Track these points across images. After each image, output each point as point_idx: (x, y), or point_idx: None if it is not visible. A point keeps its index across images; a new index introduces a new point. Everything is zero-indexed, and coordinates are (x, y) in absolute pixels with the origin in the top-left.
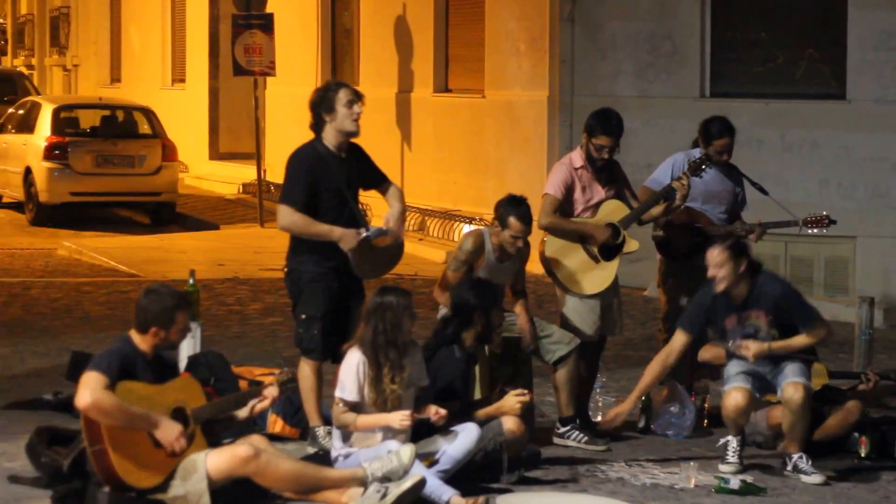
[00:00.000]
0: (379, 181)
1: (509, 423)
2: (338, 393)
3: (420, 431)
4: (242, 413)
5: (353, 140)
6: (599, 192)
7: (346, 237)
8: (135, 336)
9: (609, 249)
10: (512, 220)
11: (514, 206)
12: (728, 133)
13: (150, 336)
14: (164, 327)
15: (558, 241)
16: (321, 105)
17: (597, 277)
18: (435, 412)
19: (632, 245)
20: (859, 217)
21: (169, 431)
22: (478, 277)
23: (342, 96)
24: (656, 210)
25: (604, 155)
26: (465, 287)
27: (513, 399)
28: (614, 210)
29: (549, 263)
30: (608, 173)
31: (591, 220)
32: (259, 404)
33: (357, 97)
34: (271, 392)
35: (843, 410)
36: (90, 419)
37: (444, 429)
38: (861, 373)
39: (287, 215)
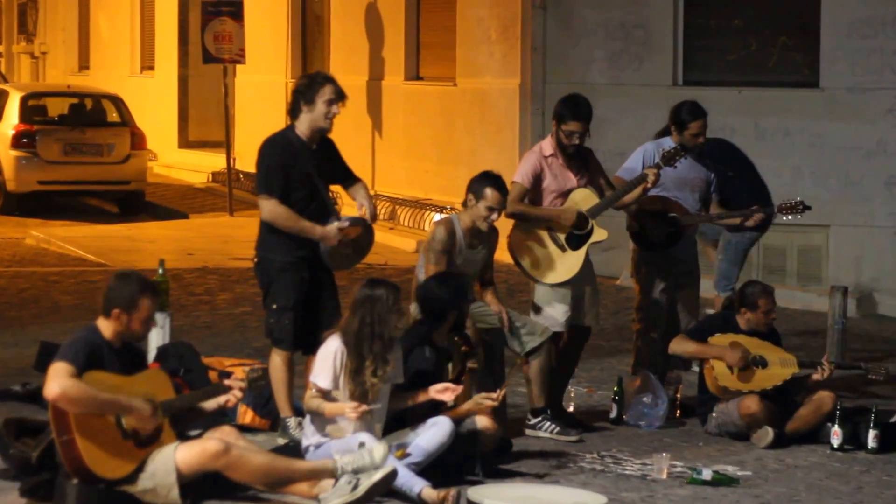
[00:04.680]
0: (346, 177)
1: (483, 422)
2: (311, 377)
3: (394, 423)
4: (210, 405)
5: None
6: (571, 180)
7: (327, 236)
8: (102, 324)
9: (577, 239)
10: (489, 191)
11: (490, 178)
12: (701, 114)
13: (112, 319)
14: (126, 311)
15: (525, 230)
16: (303, 94)
17: (562, 267)
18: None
19: (600, 234)
20: (832, 206)
21: (141, 412)
22: (445, 272)
23: (325, 92)
24: (629, 197)
25: (574, 141)
26: (433, 283)
27: (482, 402)
28: (583, 198)
29: (516, 252)
30: (580, 161)
31: (558, 208)
32: (229, 400)
33: (339, 98)
34: (239, 388)
35: (816, 401)
36: (58, 409)
37: (417, 422)
38: (816, 362)
39: (271, 207)
